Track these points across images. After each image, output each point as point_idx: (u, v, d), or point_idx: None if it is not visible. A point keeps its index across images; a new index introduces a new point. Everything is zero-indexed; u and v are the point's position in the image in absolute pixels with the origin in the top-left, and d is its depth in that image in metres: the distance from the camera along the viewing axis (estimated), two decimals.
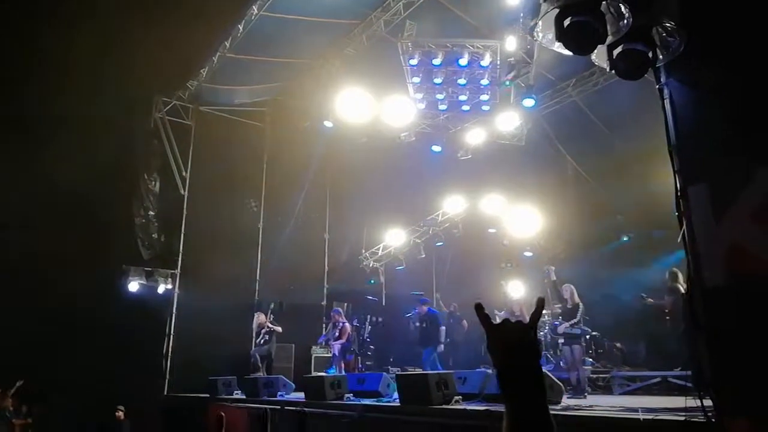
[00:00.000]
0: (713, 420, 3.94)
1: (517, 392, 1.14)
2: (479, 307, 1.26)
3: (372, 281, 15.50)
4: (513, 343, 1.20)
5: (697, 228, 4.16)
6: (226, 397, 10.43)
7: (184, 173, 13.68)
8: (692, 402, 4.18)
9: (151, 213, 13.52)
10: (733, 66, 4.19)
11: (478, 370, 9.53)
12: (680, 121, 4.35)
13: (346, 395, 8.42)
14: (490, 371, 8.61)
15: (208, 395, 10.77)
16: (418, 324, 11.13)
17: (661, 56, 4.26)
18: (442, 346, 10.60)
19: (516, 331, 1.23)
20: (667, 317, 9.71)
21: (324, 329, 14.97)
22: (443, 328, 10.58)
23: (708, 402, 4.04)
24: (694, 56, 4.26)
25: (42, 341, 11.32)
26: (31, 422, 12.39)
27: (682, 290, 9.14)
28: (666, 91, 4.47)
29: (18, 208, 11.72)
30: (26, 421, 12.33)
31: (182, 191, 13.60)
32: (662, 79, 4.51)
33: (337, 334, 11.60)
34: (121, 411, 11.92)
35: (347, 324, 11.80)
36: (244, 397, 10.22)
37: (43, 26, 11.29)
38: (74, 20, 11.08)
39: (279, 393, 9.82)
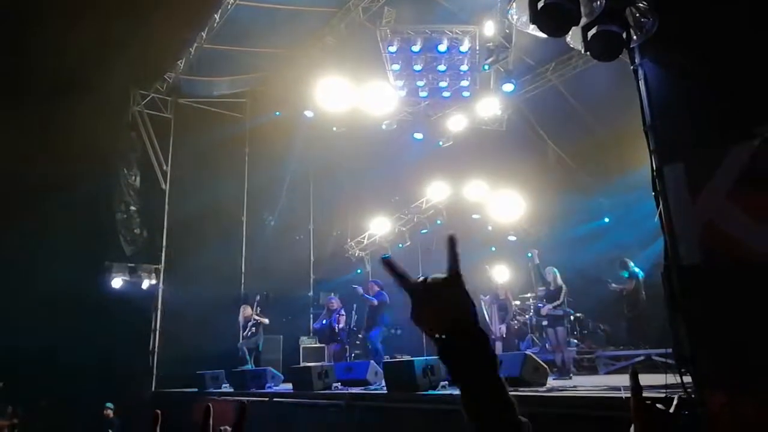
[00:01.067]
0: (693, 396, 4.01)
1: (466, 376, 0.93)
2: (388, 263, 0.98)
3: (359, 270, 15.51)
4: (444, 305, 0.96)
5: (674, 207, 4.21)
6: (214, 391, 10.40)
7: (165, 167, 13.51)
8: (673, 379, 4.25)
9: (133, 208, 13.36)
10: (706, 45, 4.22)
11: None
12: (655, 101, 4.38)
13: (334, 384, 8.45)
14: None
15: (196, 390, 10.73)
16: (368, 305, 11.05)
17: (635, 37, 4.29)
18: (384, 328, 10.49)
19: (442, 287, 0.96)
20: (625, 303, 10.12)
21: (311, 320, 14.99)
22: (385, 312, 10.57)
23: (688, 378, 4.11)
24: (668, 36, 4.28)
25: (25, 340, 11.17)
26: (17, 423, 12.28)
27: (638, 274, 9.72)
28: (641, 72, 4.50)
29: None
30: (12, 422, 12.21)
31: (163, 186, 13.45)
32: (636, 60, 4.54)
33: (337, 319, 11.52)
34: (110, 409, 11.84)
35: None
36: (232, 390, 10.21)
37: (13, 22, 11.02)
38: (46, 14, 10.84)
39: (267, 385, 9.82)
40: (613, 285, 10.31)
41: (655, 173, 4.32)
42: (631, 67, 4.60)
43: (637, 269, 10.01)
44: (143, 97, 13.54)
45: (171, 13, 10.69)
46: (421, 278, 0.99)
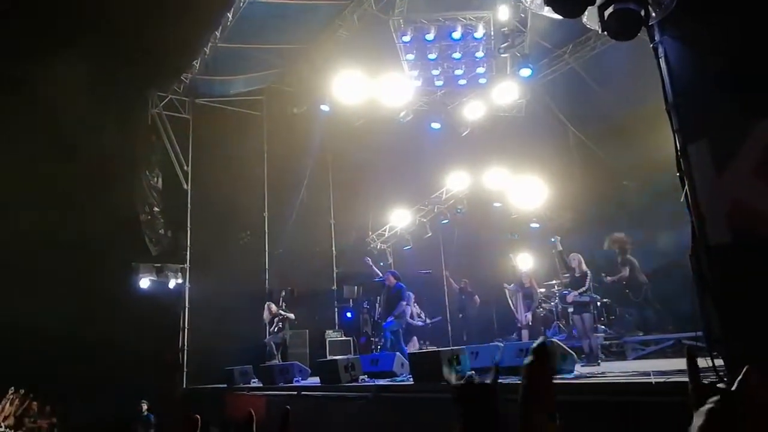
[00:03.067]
0: (725, 379, 3.92)
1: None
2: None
3: (381, 263, 15.52)
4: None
5: (700, 186, 4.10)
6: (243, 386, 10.53)
7: (185, 167, 13.67)
8: (704, 362, 4.16)
9: (156, 209, 13.56)
10: (729, 18, 4.08)
11: (490, 344, 9.59)
12: (676, 79, 4.26)
13: (361, 377, 8.48)
14: (502, 344, 8.65)
15: (225, 385, 10.89)
16: (384, 295, 10.98)
17: (653, 14, 4.17)
18: (395, 321, 10.38)
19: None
20: (627, 290, 9.97)
21: (336, 314, 15.06)
22: (403, 302, 10.45)
23: (720, 361, 4.02)
24: (688, 11, 4.16)
25: (60, 342, 11.47)
26: (56, 422, 12.62)
27: (633, 260, 9.58)
28: (661, 50, 4.38)
29: (24, 214, 11.78)
30: (51, 421, 12.55)
31: (185, 186, 13.62)
32: (656, 38, 4.42)
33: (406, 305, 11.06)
34: (144, 404, 12.08)
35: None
36: (261, 385, 10.33)
37: (32, 27, 11.24)
38: (63, 21, 11.03)
39: (295, 379, 9.92)
40: (609, 278, 10.18)
41: (679, 153, 4.22)
42: (651, 45, 4.48)
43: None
44: (161, 99, 13.68)
45: (187, 14, 10.77)
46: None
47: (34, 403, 12.27)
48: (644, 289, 9.84)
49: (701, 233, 4.10)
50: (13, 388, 11.39)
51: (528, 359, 1.10)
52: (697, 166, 4.06)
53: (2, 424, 10.91)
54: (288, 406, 1.51)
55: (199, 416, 1.33)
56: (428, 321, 12.92)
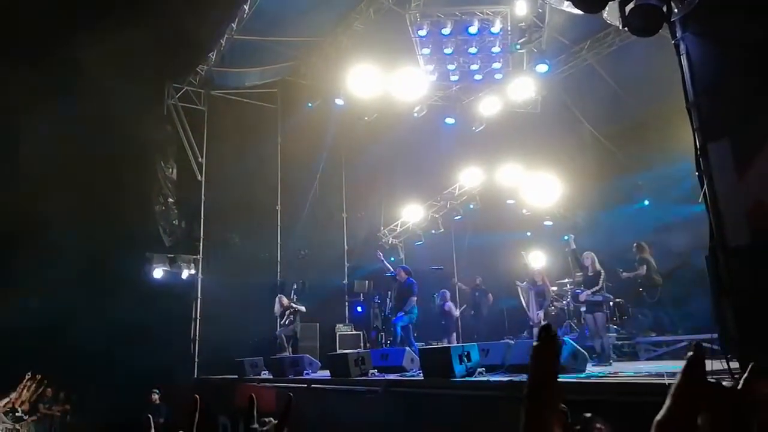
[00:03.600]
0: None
1: None
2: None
3: (392, 258, 15.51)
4: None
5: (719, 186, 4.04)
6: (253, 377, 10.60)
7: (200, 159, 13.74)
8: (719, 364, 4.10)
9: (171, 200, 13.63)
10: (753, 15, 4.00)
11: (501, 341, 9.54)
12: (698, 77, 4.19)
13: (371, 371, 8.49)
14: (512, 342, 8.61)
15: (236, 376, 10.96)
16: (395, 290, 10.96)
17: (676, 10, 4.10)
18: (405, 315, 10.34)
19: None
20: (642, 290, 9.87)
21: (347, 308, 15.09)
22: (413, 298, 10.41)
23: (735, 364, 3.97)
24: (712, 7, 4.08)
25: (72, 331, 11.61)
26: (70, 408, 12.79)
27: (651, 260, 9.46)
28: (682, 46, 4.30)
29: (41, 205, 11.92)
30: (65, 407, 12.73)
31: (199, 177, 13.69)
32: (678, 34, 4.35)
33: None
34: (156, 394, 12.18)
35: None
36: (271, 377, 10.38)
37: (52, 21, 11.32)
38: (80, 13, 11.10)
39: (305, 371, 9.96)
40: (624, 273, 10.08)
41: (698, 152, 4.15)
42: (672, 42, 4.40)
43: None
44: (177, 90, 13.74)
45: (204, 6, 10.79)
46: None
47: (49, 389, 12.45)
48: (659, 290, 9.74)
49: (719, 233, 4.03)
50: (29, 373, 11.58)
51: (534, 343, 1.02)
52: (717, 166, 4.00)
53: (18, 409, 11.10)
54: (291, 393, 1.51)
55: (198, 396, 1.32)
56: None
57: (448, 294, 12.67)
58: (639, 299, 10.24)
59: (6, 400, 10.49)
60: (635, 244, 10.13)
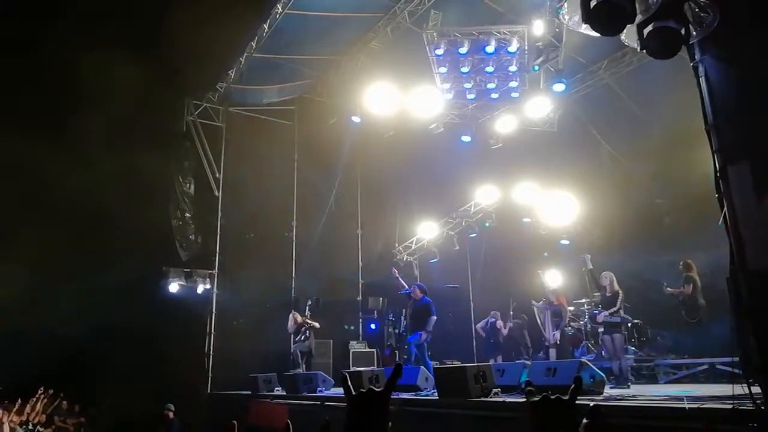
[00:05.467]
0: (762, 407, 3.79)
1: None
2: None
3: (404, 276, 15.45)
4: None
5: (739, 209, 4.00)
6: (267, 393, 10.58)
7: (217, 174, 13.91)
8: (740, 389, 4.02)
9: (188, 215, 13.79)
10: None
11: (516, 362, 9.44)
12: (717, 99, 4.17)
13: None
14: (528, 363, 8.51)
15: (249, 392, 10.95)
16: (410, 308, 10.83)
17: (694, 32, 4.09)
18: (426, 335, 10.19)
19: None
20: (683, 309, 9.67)
21: (360, 325, 15.03)
22: (433, 317, 10.29)
23: (757, 389, 3.89)
24: (730, 30, 4.07)
25: (88, 344, 11.72)
26: (84, 421, 12.87)
27: (697, 279, 9.22)
28: (701, 69, 4.29)
29: (59, 217, 12.12)
30: (79, 420, 12.81)
31: (216, 192, 13.84)
32: (697, 56, 4.34)
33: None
34: (170, 410, 12.13)
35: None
36: (284, 393, 10.36)
37: (72, 36, 11.61)
38: (101, 29, 11.39)
39: (318, 389, 9.92)
40: (669, 289, 9.89)
41: (718, 174, 4.12)
42: (691, 64, 4.40)
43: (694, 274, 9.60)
44: (196, 107, 13.98)
45: (224, 25, 11.01)
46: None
47: (64, 402, 12.56)
48: (701, 312, 9.44)
49: (740, 256, 3.98)
50: (43, 387, 11.69)
51: (585, 421, 1.25)
52: (737, 189, 3.96)
53: (32, 422, 11.20)
54: (327, 417, 1.52)
55: (236, 422, 1.35)
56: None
57: (498, 315, 12.36)
58: (677, 317, 9.94)
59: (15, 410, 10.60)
60: (682, 262, 9.77)
